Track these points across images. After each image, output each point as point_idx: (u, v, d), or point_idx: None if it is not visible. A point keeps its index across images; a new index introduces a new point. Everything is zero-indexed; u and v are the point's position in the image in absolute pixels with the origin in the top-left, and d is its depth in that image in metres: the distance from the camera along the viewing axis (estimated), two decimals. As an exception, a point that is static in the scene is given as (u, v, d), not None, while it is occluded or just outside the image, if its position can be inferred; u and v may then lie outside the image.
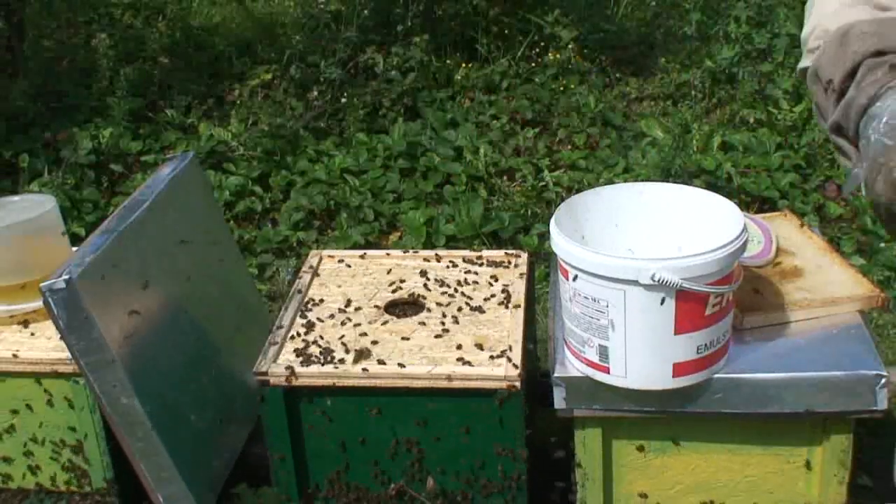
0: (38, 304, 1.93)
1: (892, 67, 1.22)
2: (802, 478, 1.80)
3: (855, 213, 3.51)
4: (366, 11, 4.55)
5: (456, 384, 1.86)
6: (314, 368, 1.90)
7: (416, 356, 1.92)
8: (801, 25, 1.52)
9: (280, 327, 2.04)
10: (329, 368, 1.90)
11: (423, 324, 2.05)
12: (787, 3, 4.76)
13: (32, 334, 2.14)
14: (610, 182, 3.47)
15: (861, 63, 1.24)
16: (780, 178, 3.64)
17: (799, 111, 3.99)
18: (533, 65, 4.53)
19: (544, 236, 3.37)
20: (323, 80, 4.29)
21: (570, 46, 4.44)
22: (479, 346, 1.94)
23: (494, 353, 1.91)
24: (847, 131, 1.27)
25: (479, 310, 2.08)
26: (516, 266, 2.24)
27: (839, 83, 1.27)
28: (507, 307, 2.07)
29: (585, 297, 1.64)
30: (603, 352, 1.67)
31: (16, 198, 2.37)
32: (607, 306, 1.61)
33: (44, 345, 2.09)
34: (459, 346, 1.94)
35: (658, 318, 1.60)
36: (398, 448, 1.94)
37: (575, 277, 1.64)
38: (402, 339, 1.99)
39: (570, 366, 1.76)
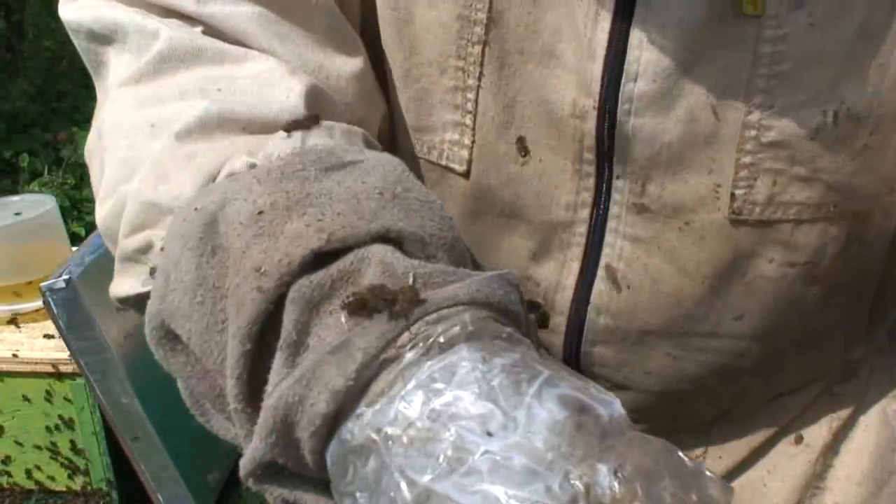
0: (38, 304, 1.92)
1: (380, 302, 0.43)
2: None
3: None
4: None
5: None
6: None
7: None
8: None
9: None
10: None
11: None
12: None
13: (31, 334, 2.14)
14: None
15: (285, 298, 0.45)
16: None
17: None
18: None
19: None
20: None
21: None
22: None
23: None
24: (296, 469, 0.46)
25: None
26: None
27: (238, 361, 0.46)
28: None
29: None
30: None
31: (16, 198, 2.37)
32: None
33: (44, 345, 2.09)
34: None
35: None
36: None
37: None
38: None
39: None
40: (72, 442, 2.12)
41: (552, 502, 0.36)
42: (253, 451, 0.44)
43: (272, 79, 0.59)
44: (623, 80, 0.63)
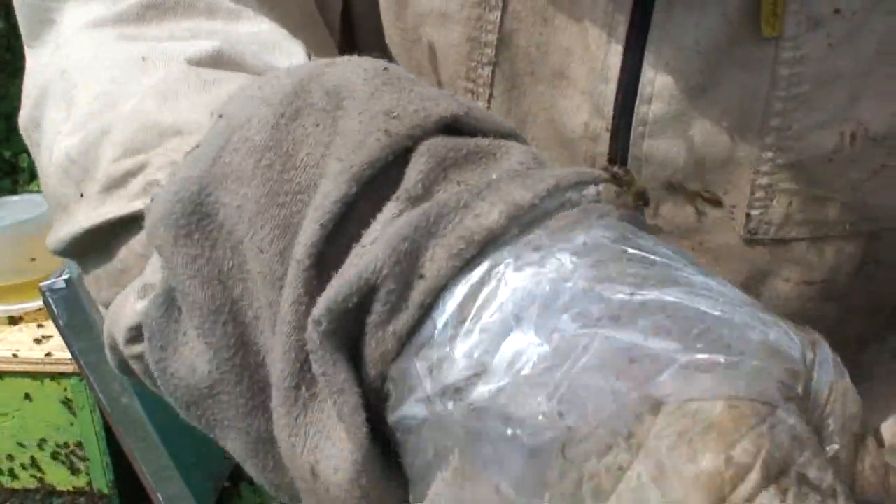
0: (38, 304, 1.93)
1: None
2: None
3: None
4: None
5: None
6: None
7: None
8: None
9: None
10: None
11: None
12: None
13: (32, 334, 2.14)
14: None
15: (408, 155, 0.37)
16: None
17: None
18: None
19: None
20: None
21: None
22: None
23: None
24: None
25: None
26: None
27: (335, 203, 0.36)
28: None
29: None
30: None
31: (16, 198, 2.37)
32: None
33: (44, 345, 2.09)
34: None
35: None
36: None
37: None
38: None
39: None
40: (72, 442, 2.12)
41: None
42: (360, 268, 0.34)
43: (272, 40, 0.53)
44: (637, 103, 0.62)
